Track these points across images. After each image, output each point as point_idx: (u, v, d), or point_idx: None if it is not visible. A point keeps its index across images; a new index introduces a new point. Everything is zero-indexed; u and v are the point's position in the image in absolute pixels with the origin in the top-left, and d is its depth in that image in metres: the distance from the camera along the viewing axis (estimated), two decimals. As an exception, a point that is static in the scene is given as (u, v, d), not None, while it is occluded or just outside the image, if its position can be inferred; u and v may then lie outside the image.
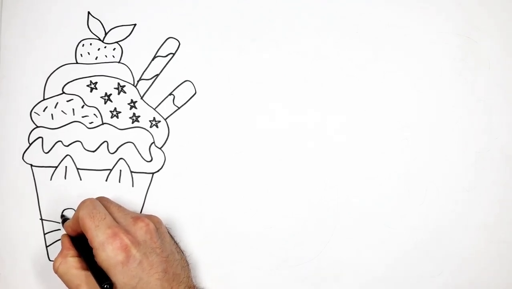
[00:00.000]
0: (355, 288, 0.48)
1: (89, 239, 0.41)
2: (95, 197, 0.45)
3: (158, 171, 0.48)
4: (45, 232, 0.47)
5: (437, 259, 0.48)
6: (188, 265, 0.45)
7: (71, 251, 0.43)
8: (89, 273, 0.41)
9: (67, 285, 0.42)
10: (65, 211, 0.47)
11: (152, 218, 0.44)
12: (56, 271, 0.42)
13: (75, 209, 0.47)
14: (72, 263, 0.42)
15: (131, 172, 0.48)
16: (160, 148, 0.48)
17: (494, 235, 0.48)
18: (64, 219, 0.46)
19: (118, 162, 0.48)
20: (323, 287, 0.48)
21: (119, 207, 0.44)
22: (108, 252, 0.39)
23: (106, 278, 0.39)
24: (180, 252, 0.45)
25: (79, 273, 0.41)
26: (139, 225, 0.42)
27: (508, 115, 0.48)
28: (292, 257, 0.48)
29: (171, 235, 0.45)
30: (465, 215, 0.48)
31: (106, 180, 0.48)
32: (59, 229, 0.47)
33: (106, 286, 0.39)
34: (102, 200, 0.44)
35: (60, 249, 0.44)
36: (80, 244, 0.43)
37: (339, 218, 0.48)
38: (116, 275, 0.39)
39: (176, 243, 0.45)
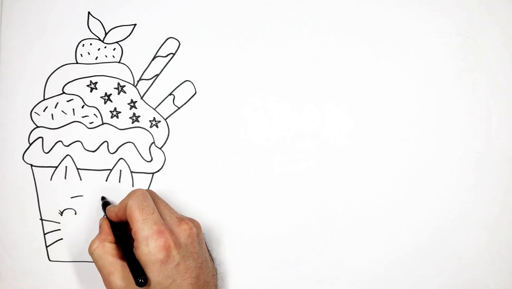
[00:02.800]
0: (355, 288, 0.48)
1: (133, 231, 0.41)
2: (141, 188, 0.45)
3: (158, 171, 0.48)
4: (45, 232, 0.47)
5: (437, 259, 0.48)
6: (217, 274, 0.45)
7: (110, 237, 0.43)
8: (123, 263, 0.41)
9: (99, 270, 0.42)
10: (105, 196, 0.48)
11: (194, 222, 0.44)
12: (91, 254, 0.42)
13: (75, 208, 0.47)
14: (109, 249, 0.42)
15: (131, 172, 0.48)
16: (160, 148, 0.48)
17: (494, 235, 0.48)
18: (104, 202, 0.46)
19: (118, 162, 0.48)
20: (323, 287, 0.48)
21: (165, 204, 0.44)
22: (151, 248, 0.39)
23: (142, 272, 0.39)
24: (212, 260, 0.45)
25: (114, 260, 0.41)
26: (183, 227, 0.42)
27: (508, 115, 0.48)
28: (292, 257, 0.48)
29: (205, 242, 0.45)
30: (465, 215, 0.48)
31: (106, 180, 0.48)
32: (59, 229, 0.47)
33: (141, 281, 0.39)
34: (151, 194, 0.44)
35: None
36: (118, 231, 0.43)
37: (339, 218, 0.48)
38: (153, 272, 0.39)
39: (209, 251, 0.45)
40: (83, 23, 0.48)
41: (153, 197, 0.44)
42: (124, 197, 0.43)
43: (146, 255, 0.39)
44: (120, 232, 0.43)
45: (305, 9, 0.48)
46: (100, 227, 0.44)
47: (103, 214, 0.47)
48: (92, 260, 0.42)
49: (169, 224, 0.42)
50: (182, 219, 0.43)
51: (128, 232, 0.43)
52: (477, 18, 0.49)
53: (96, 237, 0.43)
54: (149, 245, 0.39)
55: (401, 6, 0.49)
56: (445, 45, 0.49)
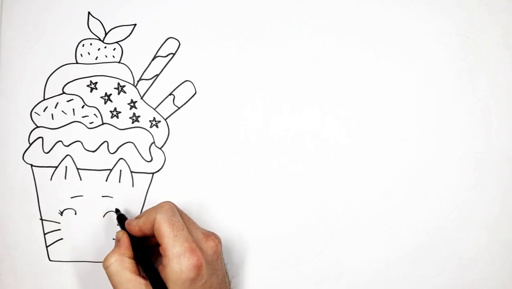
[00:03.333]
0: (355, 288, 0.48)
1: (162, 247, 0.39)
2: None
3: (158, 171, 0.48)
4: (45, 232, 0.47)
5: (437, 259, 0.48)
6: (230, 288, 0.45)
7: (129, 252, 0.41)
8: (142, 280, 0.39)
9: (114, 285, 0.40)
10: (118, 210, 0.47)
11: (217, 237, 0.43)
12: (106, 267, 0.40)
13: (75, 208, 0.47)
14: (128, 264, 0.40)
15: (131, 172, 0.48)
16: (160, 148, 0.48)
17: (494, 235, 0.48)
18: (120, 214, 0.45)
19: (118, 162, 0.48)
20: (323, 287, 0.48)
21: (189, 218, 0.43)
22: (183, 266, 0.38)
23: None
24: (227, 273, 0.44)
25: (133, 277, 0.39)
26: (209, 244, 0.41)
27: (508, 115, 0.48)
28: (292, 257, 0.48)
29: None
30: (465, 215, 0.48)
31: (106, 180, 0.48)
32: (59, 229, 0.47)
33: None
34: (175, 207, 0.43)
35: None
36: (137, 246, 0.41)
37: (339, 218, 0.48)
38: None
39: (225, 265, 0.44)
40: (83, 23, 0.48)
41: (178, 211, 0.43)
42: (148, 208, 0.43)
43: (176, 273, 0.38)
44: (139, 248, 0.41)
45: (305, 9, 0.48)
46: (118, 240, 0.42)
47: (103, 214, 0.47)
48: (91, 260, 0.42)
49: (197, 241, 0.41)
50: (208, 235, 0.42)
51: (150, 248, 0.42)
52: (477, 18, 0.49)
53: (113, 250, 0.41)
54: (181, 263, 0.38)
55: (401, 6, 0.49)
56: (445, 45, 0.49)
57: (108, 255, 0.41)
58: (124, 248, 0.41)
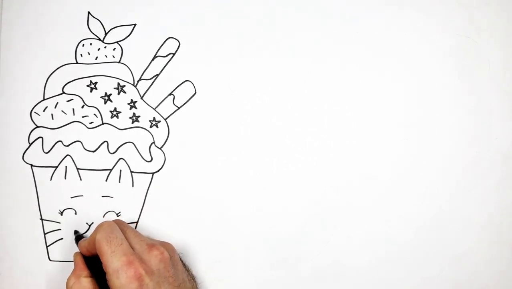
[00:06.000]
0: (355, 288, 0.48)
1: (103, 264, 0.40)
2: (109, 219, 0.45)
3: (158, 171, 0.48)
4: (45, 232, 0.47)
5: (436, 259, 0.48)
6: None
7: (85, 272, 0.43)
8: None
9: None
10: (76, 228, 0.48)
11: (166, 245, 0.44)
12: None
13: (75, 208, 0.47)
14: (85, 284, 0.42)
15: (131, 172, 0.48)
16: (160, 148, 0.48)
17: (494, 235, 0.48)
18: (77, 236, 0.46)
19: (118, 162, 0.48)
20: (323, 287, 0.48)
21: (135, 232, 0.44)
22: (122, 280, 0.39)
23: None
24: (191, 279, 0.45)
25: None
26: (153, 253, 0.42)
27: (508, 115, 0.48)
28: (292, 257, 0.48)
29: (183, 262, 0.45)
30: (465, 215, 0.48)
31: (106, 180, 0.48)
32: (59, 229, 0.47)
33: None
34: (119, 224, 0.44)
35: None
36: (93, 265, 0.43)
37: (339, 217, 0.48)
38: None
39: (188, 270, 0.45)
40: (83, 23, 0.48)
41: (122, 226, 0.44)
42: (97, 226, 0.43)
43: (118, 288, 0.39)
44: (95, 266, 0.43)
45: (305, 9, 0.48)
46: (74, 262, 0.44)
47: (103, 214, 0.47)
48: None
49: (139, 253, 0.41)
50: (152, 245, 0.42)
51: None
52: (477, 18, 0.49)
53: (71, 273, 0.43)
54: (120, 277, 0.39)
55: (401, 6, 0.49)
56: (445, 45, 0.49)
57: (67, 278, 0.43)
58: (79, 269, 0.43)
